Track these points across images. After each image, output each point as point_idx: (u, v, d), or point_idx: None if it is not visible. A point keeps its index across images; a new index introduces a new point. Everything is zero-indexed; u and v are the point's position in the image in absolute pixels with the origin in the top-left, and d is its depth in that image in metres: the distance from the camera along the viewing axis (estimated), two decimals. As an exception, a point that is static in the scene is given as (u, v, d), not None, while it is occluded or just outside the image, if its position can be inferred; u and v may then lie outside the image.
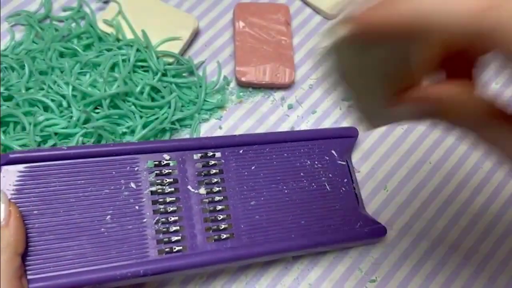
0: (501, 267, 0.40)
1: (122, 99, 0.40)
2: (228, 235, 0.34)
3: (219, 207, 0.35)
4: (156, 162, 0.34)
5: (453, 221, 0.41)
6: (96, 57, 0.41)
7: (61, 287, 0.29)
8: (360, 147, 0.43)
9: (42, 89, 0.40)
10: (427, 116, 0.25)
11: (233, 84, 0.44)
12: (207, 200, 0.35)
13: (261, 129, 0.43)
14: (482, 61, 0.24)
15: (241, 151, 0.37)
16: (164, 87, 0.41)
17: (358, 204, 0.38)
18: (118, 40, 0.43)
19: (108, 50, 0.42)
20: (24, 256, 0.29)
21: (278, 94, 0.44)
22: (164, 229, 0.33)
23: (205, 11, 0.47)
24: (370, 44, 0.23)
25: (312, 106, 0.44)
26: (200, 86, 0.43)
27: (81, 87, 0.39)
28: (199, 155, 0.36)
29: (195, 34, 0.45)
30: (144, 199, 0.33)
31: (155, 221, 0.33)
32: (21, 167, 0.31)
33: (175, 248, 0.32)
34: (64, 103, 0.39)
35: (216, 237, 0.34)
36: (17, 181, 0.31)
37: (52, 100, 0.39)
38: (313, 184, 0.37)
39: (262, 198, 0.36)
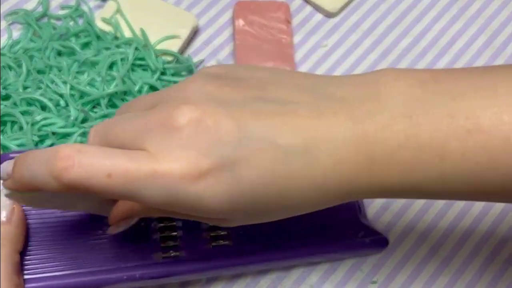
0: (503, 268, 0.40)
1: (121, 98, 0.39)
2: (227, 242, 0.34)
3: None
4: None
5: (455, 223, 0.41)
6: (94, 56, 0.41)
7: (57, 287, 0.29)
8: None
9: (40, 88, 0.39)
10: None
11: (232, 83, 0.44)
12: None
13: (261, 129, 0.42)
14: None
15: None
16: (163, 86, 0.41)
17: (359, 213, 0.37)
18: (116, 38, 0.43)
19: (107, 48, 0.42)
20: (22, 255, 0.29)
21: (278, 93, 0.44)
22: (162, 234, 0.33)
23: (205, 9, 0.47)
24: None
25: (312, 105, 0.44)
26: (200, 85, 0.43)
27: (79, 86, 0.39)
28: None
29: (195, 33, 0.45)
30: None
31: (153, 224, 0.32)
32: None
33: (172, 253, 0.32)
34: (62, 102, 0.39)
35: (214, 243, 0.33)
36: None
37: (50, 99, 0.39)
38: None
39: None
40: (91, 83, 0.40)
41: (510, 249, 0.40)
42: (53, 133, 0.38)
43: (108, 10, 0.43)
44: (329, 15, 0.47)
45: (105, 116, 0.39)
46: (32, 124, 0.37)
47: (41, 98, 0.38)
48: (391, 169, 0.23)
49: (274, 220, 0.25)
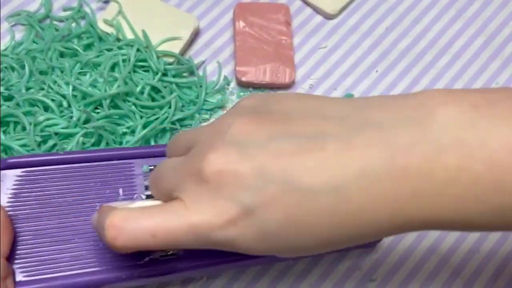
0: (502, 266, 0.40)
1: (123, 99, 0.40)
2: None
3: None
4: (152, 167, 0.34)
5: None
6: (96, 57, 0.41)
7: None
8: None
9: (42, 89, 0.40)
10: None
11: (233, 84, 0.44)
12: None
13: (261, 129, 0.43)
14: None
15: None
16: (165, 87, 0.41)
17: None
18: (118, 40, 0.43)
19: (109, 50, 0.42)
20: (20, 258, 0.29)
21: (278, 94, 0.44)
22: None
23: (206, 11, 0.47)
24: None
25: (312, 106, 0.44)
26: (201, 86, 0.43)
27: (81, 87, 0.39)
28: None
29: (195, 34, 0.45)
30: None
31: None
32: (18, 171, 0.32)
33: (170, 251, 0.32)
34: (65, 103, 0.39)
35: None
36: (14, 185, 0.31)
37: (52, 100, 0.39)
38: None
39: None
40: (93, 84, 0.40)
41: (509, 247, 0.41)
42: (56, 134, 0.38)
43: (110, 11, 0.44)
44: (328, 16, 0.47)
45: (107, 117, 0.39)
46: (35, 125, 0.37)
47: (44, 99, 0.38)
48: (440, 204, 0.21)
49: (317, 253, 0.25)
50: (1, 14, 0.44)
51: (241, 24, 0.45)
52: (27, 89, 0.40)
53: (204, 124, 0.42)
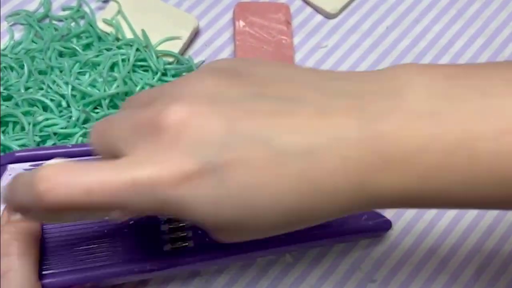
0: (503, 267, 0.40)
1: (122, 99, 0.40)
2: None
3: None
4: None
5: (454, 222, 0.41)
6: (95, 57, 0.41)
7: (71, 282, 0.29)
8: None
9: (41, 88, 0.39)
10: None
11: (233, 84, 0.44)
12: None
13: (261, 129, 0.43)
14: None
15: None
16: (164, 87, 0.41)
17: None
18: (117, 39, 0.43)
19: (108, 49, 0.42)
20: (45, 249, 0.30)
21: (278, 94, 0.44)
22: (170, 225, 0.33)
23: (205, 11, 0.47)
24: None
25: (312, 106, 0.44)
26: (200, 86, 0.43)
27: (80, 86, 0.39)
28: None
29: (195, 34, 0.45)
30: None
31: (161, 217, 0.33)
32: (27, 165, 0.32)
33: (181, 244, 0.32)
34: (64, 103, 0.39)
35: None
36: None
37: (52, 100, 0.39)
38: None
39: None
40: (92, 84, 0.40)
41: (509, 249, 0.40)
42: (55, 134, 0.38)
43: (109, 11, 0.44)
44: (329, 16, 0.47)
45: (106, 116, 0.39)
46: (34, 125, 0.37)
47: (43, 99, 0.38)
48: (411, 173, 0.20)
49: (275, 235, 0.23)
50: (0, 14, 0.44)
51: (241, 23, 0.45)
52: (26, 88, 0.40)
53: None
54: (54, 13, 0.45)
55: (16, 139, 0.37)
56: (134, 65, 0.41)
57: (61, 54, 0.42)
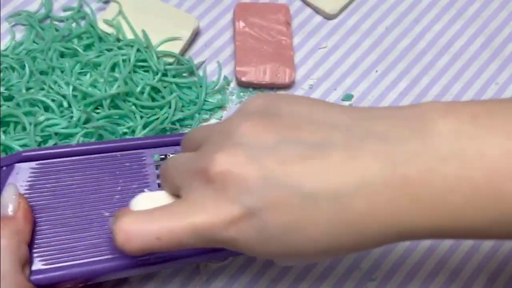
0: (501, 267, 0.40)
1: (123, 99, 0.40)
2: None
3: None
4: (162, 156, 0.35)
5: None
6: (96, 57, 0.41)
7: (74, 276, 0.30)
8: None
9: (43, 89, 0.40)
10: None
11: (233, 84, 0.45)
12: None
13: (261, 129, 0.43)
14: None
15: None
16: (165, 87, 0.41)
17: None
18: (118, 40, 0.43)
19: (109, 50, 0.42)
20: (38, 247, 0.30)
21: (278, 94, 0.44)
22: None
23: (205, 11, 0.47)
24: None
25: (312, 106, 0.44)
26: (201, 86, 0.43)
27: (81, 87, 0.39)
28: None
29: (196, 34, 0.45)
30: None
31: None
32: (33, 164, 0.33)
33: None
34: (65, 103, 0.39)
35: None
36: (30, 177, 0.32)
37: (53, 100, 0.39)
38: None
39: None
40: (93, 84, 0.40)
41: (509, 248, 0.41)
42: (56, 134, 0.38)
43: (110, 12, 0.44)
44: (328, 17, 0.48)
45: (107, 117, 0.39)
46: (35, 125, 0.38)
47: (44, 99, 0.38)
48: (438, 213, 0.21)
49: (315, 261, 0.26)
50: (1, 14, 0.45)
51: (241, 24, 0.45)
52: (27, 89, 0.40)
53: (204, 124, 0.42)
54: (55, 13, 0.45)
55: (18, 139, 0.38)
56: (134, 66, 0.41)
57: (62, 55, 0.42)
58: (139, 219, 0.25)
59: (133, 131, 0.40)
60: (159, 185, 0.34)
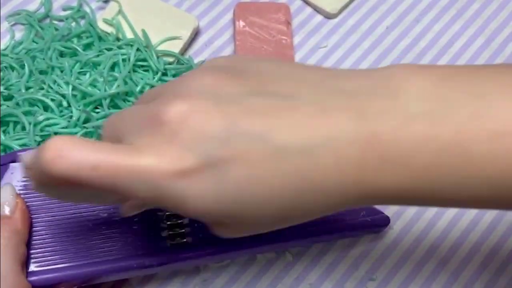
0: (502, 267, 0.40)
1: (122, 99, 0.40)
2: None
3: None
4: None
5: (454, 222, 0.41)
6: (96, 57, 0.41)
7: (69, 278, 0.30)
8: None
9: (42, 88, 0.40)
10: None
11: (233, 84, 0.44)
12: None
13: (261, 129, 0.43)
14: None
15: None
16: (164, 87, 0.41)
17: None
18: (118, 39, 0.43)
19: (108, 49, 0.42)
20: (33, 248, 0.30)
21: (278, 94, 0.44)
22: (169, 221, 0.33)
23: (205, 11, 0.47)
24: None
25: (312, 105, 0.44)
26: (201, 86, 0.43)
27: (81, 86, 0.39)
28: None
29: (195, 34, 0.45)
30: None
31: (160, 213, 0.33)
32: None
33: (181, 240, 0.32)
34: (64, 103, 0.39)
35: None
36: (24, 177, 0.32)
37: (52, 100, 0.39)
38: None
39: None
40: (93, 84, 0.40)
41: (509, 247, 0.41)
42: (56, 133, 0.38)
43: (109, 11, 0.44)
44: (329, 16, 0.47)
45: (106, 116, 0.39)
46: (35, 125, 0.37)
47: (43, 99, 0.38)
48: (405, 173, 0.21)
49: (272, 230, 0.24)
50: (1, 14, 0.44)
51: (241, 23, 0.45)
52: (27, 88, 0.40)
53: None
54: (55, 13, 0.45)
55: (17, 139, 0.37)
56: (134, 65, 0.41)
57: (61, 54, 0.42)
58: (79, 141, 0.21)
59: (133, 131, 0.40)
60: None
